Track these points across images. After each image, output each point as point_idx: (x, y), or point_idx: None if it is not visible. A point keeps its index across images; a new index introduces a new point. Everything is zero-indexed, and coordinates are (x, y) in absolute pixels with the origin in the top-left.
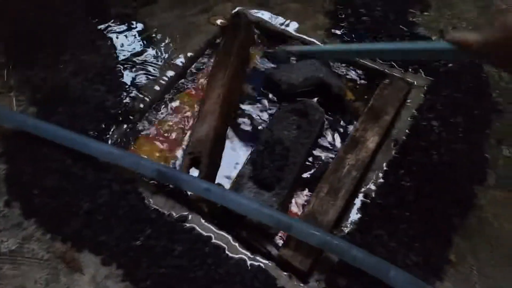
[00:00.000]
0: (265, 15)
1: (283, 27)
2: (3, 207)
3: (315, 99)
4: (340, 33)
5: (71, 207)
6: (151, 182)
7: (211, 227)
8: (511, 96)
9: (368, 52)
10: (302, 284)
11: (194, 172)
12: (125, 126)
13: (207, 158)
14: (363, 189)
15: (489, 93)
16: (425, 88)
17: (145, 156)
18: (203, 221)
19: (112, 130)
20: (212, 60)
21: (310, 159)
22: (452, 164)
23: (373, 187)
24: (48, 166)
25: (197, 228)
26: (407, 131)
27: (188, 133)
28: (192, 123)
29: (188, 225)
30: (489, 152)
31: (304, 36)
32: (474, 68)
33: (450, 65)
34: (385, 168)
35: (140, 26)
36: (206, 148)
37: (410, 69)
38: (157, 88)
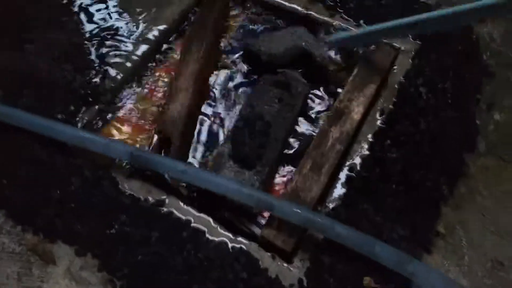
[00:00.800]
0: None
1: None
2: None
3: (297, 70)
4: None
5: (42, 197)
6: (126, 166)
7: (191, 210)
8: (503, 58)
9: (418, 23)
10: (286, 264)
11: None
12: (95, 107)
13: (178, 139)
14: (348, 163)
15: (480, 55)
16: (413, 53)
17: (117, 139)
18: (181, 204)
19: (82, 112)
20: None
21: (293, 134)
22: (441, 132)
23: (358, 160)
24: (16, 154)
25: (175, 212)
26: (394, 99)
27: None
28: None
29: (165, 209)
30: (480, 118)
31: (284, 2)
32: (464, 30)
33: None
34: (370, 140)
35: None
36: (178, 129)
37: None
38: (128, 64)
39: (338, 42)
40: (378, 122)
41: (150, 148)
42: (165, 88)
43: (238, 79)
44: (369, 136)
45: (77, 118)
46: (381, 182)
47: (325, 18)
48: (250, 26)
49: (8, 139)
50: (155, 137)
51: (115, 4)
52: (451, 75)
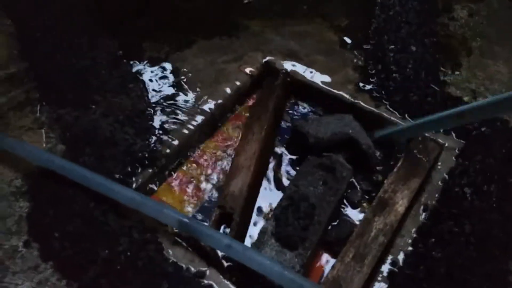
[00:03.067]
0: (294, 66)
1: (311, 79)
2: (22, 247)
3: (342, 155)
4: (370, 88)
5: (90, 254)
6: (172, 231)
7: (230, 286)
8: None
9: (461, 114)
10: None
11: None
12: (150, 170)
13: (239, 216)
14: (390, 257)
15: None
16: (457, 151)
17: (167, 204)
18: (222, 278)
19: (137, 173)
20: (240, 108)
21: (335, 218)
22: (486, 235)
23: (401, 255)
24: (71, 208)
25: (215, 285)
26: (437, 196)
27: (216, 183)
28: (221, 173)
29: (205, 281)
30: None
31: (333, 90)
32: (506, 132)
33: (483, 128)
34: (414, 235)
35: (172, 71)
36: (239, 205)
37: (441, 130)
38: (185, 132)
39: (385, 135)
40: (422, 218)
41: (211, 221)
42: (215, 158)
43: (286, 158)
44: (413, 231)
45: (133, 179)
46: (424, 282)
47: (371, 108)
48: (300, 109)
49: (65, 193)
50: (217, 211)
51: (179, 76)
52: (496, 178)
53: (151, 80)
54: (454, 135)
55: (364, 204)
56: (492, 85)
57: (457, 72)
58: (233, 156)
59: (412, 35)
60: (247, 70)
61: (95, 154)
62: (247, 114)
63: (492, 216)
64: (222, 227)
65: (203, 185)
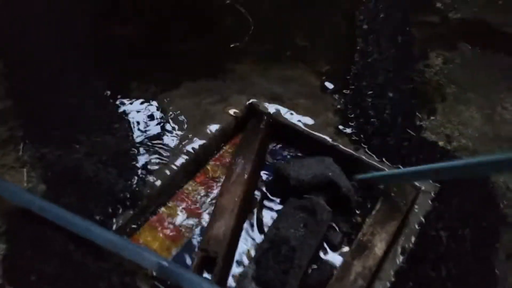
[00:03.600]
0: (277, 109)
1: (293, 121)
2: None
3: (322, 197)
4: (349, 132)
5: None
6: (151, 275)
7: None
8: None
9: (443, 170)
10: None
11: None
12: (132, 211)
13: (223, 260)
14: None
15: (497, 204)
16: (433, 194)
17: (148, 245)
18: None
19: (118, 214)
20: (224, 149)
21: (315, 261)
22: (462, 279)
23: None
24: (49, 250)
25: None
26: (414, 238)
27: (198, 224)
28: (203, 214)
29: None
30: (499, 268)
31: (314, 132)
32: (480, 178)
33: None
34: (392, 279)
35: (158, 110)
36: (223, 249)
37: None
38: (168, 172)
39: (366, 179)
40: (400, 261)
41: (193, 264)
42: (197, 199)
43: (267, 200)
44: (391, 274)
45: (113, 220)
46: None
47: (350, 151)
48: (282, 151)
49: (44, 234)
50: (199, 254)
51: (165, 116)
52: (471, 222)
53: (137, 120)
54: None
55: (344, 247)
56: (465, 130)
57: (432, 117)
58: (216, 198)
59: (390, 81)
60: (232, 111)
61: (76, 194)
62: (231, 156)
63: (467, 260)
64: (204, 271)
65: (185, 226)
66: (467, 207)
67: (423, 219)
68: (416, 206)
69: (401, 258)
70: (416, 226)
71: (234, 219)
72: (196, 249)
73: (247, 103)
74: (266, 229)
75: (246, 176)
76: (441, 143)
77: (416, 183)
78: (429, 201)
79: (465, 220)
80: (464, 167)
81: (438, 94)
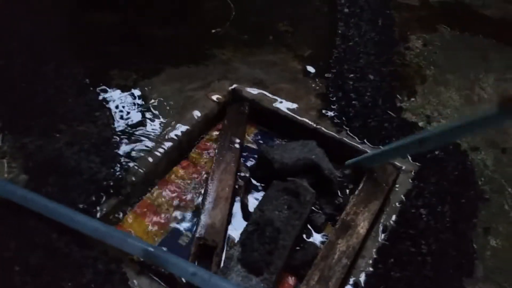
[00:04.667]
0: (259, 93)
1: (276, 105)
2: None
3: (306, 180)
4: (331, 115)
5: (53, 287)
6: (137, 261)
7: None
8: (497, 184)
9: (428, 138)
10: None
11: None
12: (115, 199)
13: (222, 249)
14: (352, 278)
15: (475, 181)
16: (413, 173)
17: (133, 233)
18: None
19: (102, 202)
20: (207, 135)
21: (300, 242)
22: (441, 254)
23: (363, 276)
24: (33, 240)
25: None
26: (395, 217)
27: (183, 211)
28: (188, 201)
29: None
30: (477, 242)
31: (297, 116)
32: (459, 156)
33: (437, 152)
34: (374, 256)
35: (139, 98)
36: (221, 237)
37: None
38: (150, 160)
39: (356, 163)
40: (381, 239)
41: (191, 254)
42: (180, 187)
43: (251, 184)
44: (373, 252)
45: (97, 208)
46: None
47: (332, 133)
48: (265, 135)
49: (26, 225)
50: (197, 243)
51: (147, 103)
52: (449, 199)
53: (118, 108)
54: (410, 158)
55: (327, 227)
56: (444, 110)
57: (412, 99)
58: (207, 185)
59: (370, 64)
60: (214, 97)
61: (58, 183)
62: (217, 141)
63: (446, 235)
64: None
65: (169, 213)
66: (446, 185)
67: (403, 198)
68: (397, 185)
69: (382, 235)
70: (397, 204)
71: (228, 207)
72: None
73: (230, 88)
74: (251, 213)
75: (234, 164)
76: (421, 124)
77: (397, 163)
78: (410, 180)
79: (444, 197)
80: (444, 132)
81: (418, 76)
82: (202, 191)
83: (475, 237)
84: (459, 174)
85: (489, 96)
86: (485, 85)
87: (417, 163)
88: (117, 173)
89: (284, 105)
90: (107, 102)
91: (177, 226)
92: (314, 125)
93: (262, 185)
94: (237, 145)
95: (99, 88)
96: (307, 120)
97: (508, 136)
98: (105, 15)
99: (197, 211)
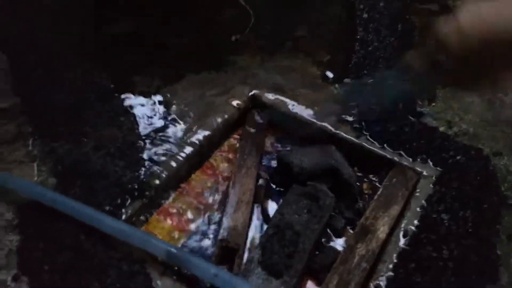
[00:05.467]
0: (279, 99)
1: (295, 110)
2: (10, 281)
3: (325, 184)
4: (351, 120)
5: (80, 287)
6: (161, 262)
7: None
8: None
9: None
10: None
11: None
12: (140, 201)
13: (243, 252)
14: (372, 283)
15: (498, 186)
16: (434, 178)
17: (156, 235)
18: None
19: (127, 205)
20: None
21: (319, 245)
22: (463, 260)
23: (383, 280)
24: (61, 241)
25: None
26: (416, 222)
27: (205, 214)
28: (210, 204)
29: None
30: (500, 249)
31: (316, 121)
32: (481, 161)
33: (458, 157)
34: (395, 261)
35: (162, 104)
36: (243, 240)
37: (418, 159)
38: (174, 163)
39: None
40: (402, 243)
41: (214, 256)
42: (202, 190)
43: (270, 189)
44: (394, 256)
45: (122, 211)
46: None
47: (352, 138)
48: (285, 140)
49: (55, 226)
50: (219, 246)
51: (169, 109)
52: (471, 204)
53: (141, 113)
54: (431, 163)
55: (347, 232)
56: (466, 115)
57: (433, 104)
58: (228, 189)
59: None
60: (235, 103)
61: (85, 186)
62: (237, 146)
63: (468, 241)
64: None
65: (192, 216)
66: (468, 190)
67: (424, 203)
68: (418, 190)
69: (403, 240)
70: (418, 210)
71: (249, 211)
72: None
73: (250, 94)
74: (270, 216)
75: (255, 169)
76: (442, 129)
77: (417, 168)
78: (431, 185)
79: (466, 203)
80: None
81: None
82: (223, 195)
83: (499, 243)
84: (481, 179)
85: (511, 101)
86: (508, 89)
87: (438, 168)
88: (141, 177)
89: (303, 110)
90: (131, 107)
91: (199, 228)
92: (334, 130)
93: (282, 189)
94: (257, 152)
95: (123, 94)
96: (326, 125)
97: None
98: (123, 26)
99: (218, 215)
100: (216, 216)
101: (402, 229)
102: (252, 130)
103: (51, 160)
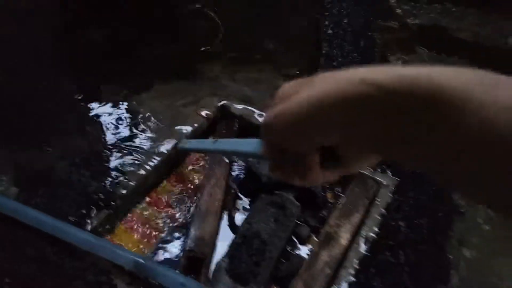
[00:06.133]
0: (247, 109)
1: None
2: None
3: (291, 193)
4: None
5: None
6: (127, 272)
7: None
8: None
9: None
10: None
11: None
12: (106, 211)
13: (210, 261)
14: (335, 287)
15: (451, 195)
16: (393, 188)
17: (123, 245)
18: None
19: (92, 215)
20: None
21: (285, 253)
22: (418, 264)
23: (344, 285)
24: (23, 252)
25: None
26: (376, 229)
27: (172, 224)
28: (178, 214)
29: None
30: (452, 253)
31: None
32: None
33: None
34: (356, 267)
35: (130, 113)
36: (210, 251)
37: (378, 169)
38: (141, 173)
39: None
40: (363, 249)
41: (180, 266)
42: (170, 200)
43: (239, 199)
44: (355, 262)
45: (87, 221)
46: None
47: None
48: None
49: (17, 237)
50: (186, 256)
51: (137, 118)
52: (426, 212)
53: (109, 123)
54: (390, 173)
55: (312, 239)
56: None
57: None
58: (197, 199)
59: None
60: (204, 113)
61: (49, 196)
62: (206, 157)
63: (423, 246)
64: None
65: (160, 226)
66: (423, 199)
67: (384, 211)
68: (377, 199)
69: (364, 247)
70: (378, 217)
71: (217, 221)
72: (179, 250)
73: (219, 104)
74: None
75: (224, 179)
76: None
77: (377, 177)
78: (389, 194)
79: (421, 211)
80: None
81: None
82: (191, 205)
83: (451, 248)
84: (436, 189)
85: None
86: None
87: (396, 178)
88: (107, 186)
89: None
90: (98, 116)
91: (167, 239)
92: None
93: (250, 199)
94: (227, 160)
95: (90, 103)
96: None
97: None
98: (94, 33)
99: (186, 225)
100: (184, 226)
101: (363, 236)
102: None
103: (13, 170)
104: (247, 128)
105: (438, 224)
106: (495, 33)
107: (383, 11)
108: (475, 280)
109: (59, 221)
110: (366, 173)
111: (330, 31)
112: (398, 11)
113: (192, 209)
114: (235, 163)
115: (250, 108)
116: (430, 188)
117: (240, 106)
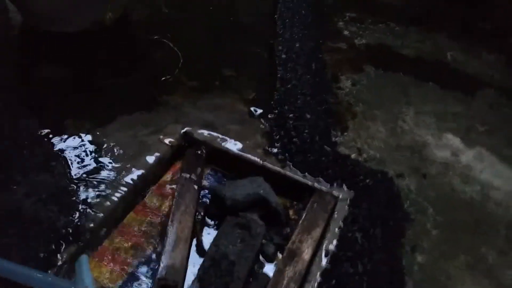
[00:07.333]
0: (210, 135)
1: (226, 145)
2: None
3: (256, 213)
4: (276, 151)
5: None
6: None
7: None
8: (420, 206)
9: None
10: None
11: None
12: (75, 245)
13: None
14: None
15: (401, 204)
16: (348, 201)
17: (94, 277)
18: None
19: (62, 250)
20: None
21: (253, 272)
22: (375, 272)
23: None
24: None
25: None
26: (335, 242)
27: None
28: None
29: None
30: (405, 260)
31: (245, 154)
32: (387, 182)
33: (367, 180)
34: (319, 279)
35: (94, 146)
36: (181, 277)
37: (335, 184)
38: (109, 204)
39: None
40: (324, 263)
41: None
42: (138, 230)
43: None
44: (318, 275)
45: (58, 256)
46: None
47: (277, 169)
48: (217, 175)
49: None
50: (158, 284)
51: (101, 150)
52: (380, 222)
53: (73, 156)
54: (345, 187)
55: (278, 256)
56: (373, 142)
57: (345, 133)
58: (166, 227)
59: (307, 104)
60: (167, 141)
61: (18, 234)
62: (172, 185)
63: (378, 255)
64: None
65: (129, 256)
66: (376, 209)
67: (341, 223)
68: (335, 213)
69: (325, 260)
70: (336, 230)
71: (187, 247)
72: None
73: (182, 131)
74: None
75: (193, 207)
76: (353, 156)
77: (334, 192)
78: (346, 207)
79: (375, 221)
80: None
81: (349, 112)
82: (161, 233)
83: (404, 254)
84: (387, 199)
85: (409, 128)
86: (407, 118)
87: (351, 191)
88: (76, 220)
89: (233, 145)
90: (63, 151)
91: (137, 269)
92: (261, 162)
93: (216, 222)
94: (195, 187)
95: (54, 138)
96: (254, 158)
97: (427, 162)
98: (55, 69)
99: (156, 254)
100: (154, 255)
101: (324, 249)
102: (190, 167)
103: None
104: (211, 153)
105: (391, 232)
106: (435, 49)
107: (331, 33)
108: (427, 283)
109: (24, 267)
110: (324, 188)
111: (283, 56)
112: (346, 32)
113: (161, 237)
114: (201, 188)
115: (213, 133)
116: (383, 197)
117: (203, 132)
